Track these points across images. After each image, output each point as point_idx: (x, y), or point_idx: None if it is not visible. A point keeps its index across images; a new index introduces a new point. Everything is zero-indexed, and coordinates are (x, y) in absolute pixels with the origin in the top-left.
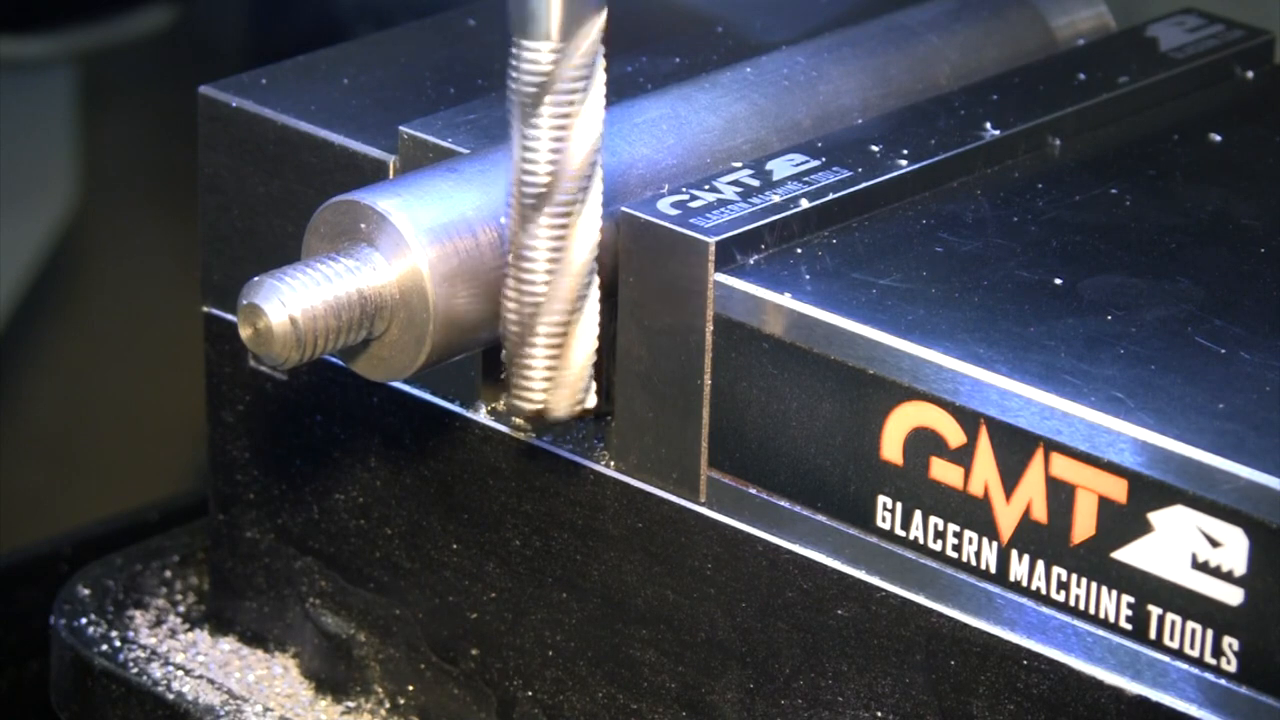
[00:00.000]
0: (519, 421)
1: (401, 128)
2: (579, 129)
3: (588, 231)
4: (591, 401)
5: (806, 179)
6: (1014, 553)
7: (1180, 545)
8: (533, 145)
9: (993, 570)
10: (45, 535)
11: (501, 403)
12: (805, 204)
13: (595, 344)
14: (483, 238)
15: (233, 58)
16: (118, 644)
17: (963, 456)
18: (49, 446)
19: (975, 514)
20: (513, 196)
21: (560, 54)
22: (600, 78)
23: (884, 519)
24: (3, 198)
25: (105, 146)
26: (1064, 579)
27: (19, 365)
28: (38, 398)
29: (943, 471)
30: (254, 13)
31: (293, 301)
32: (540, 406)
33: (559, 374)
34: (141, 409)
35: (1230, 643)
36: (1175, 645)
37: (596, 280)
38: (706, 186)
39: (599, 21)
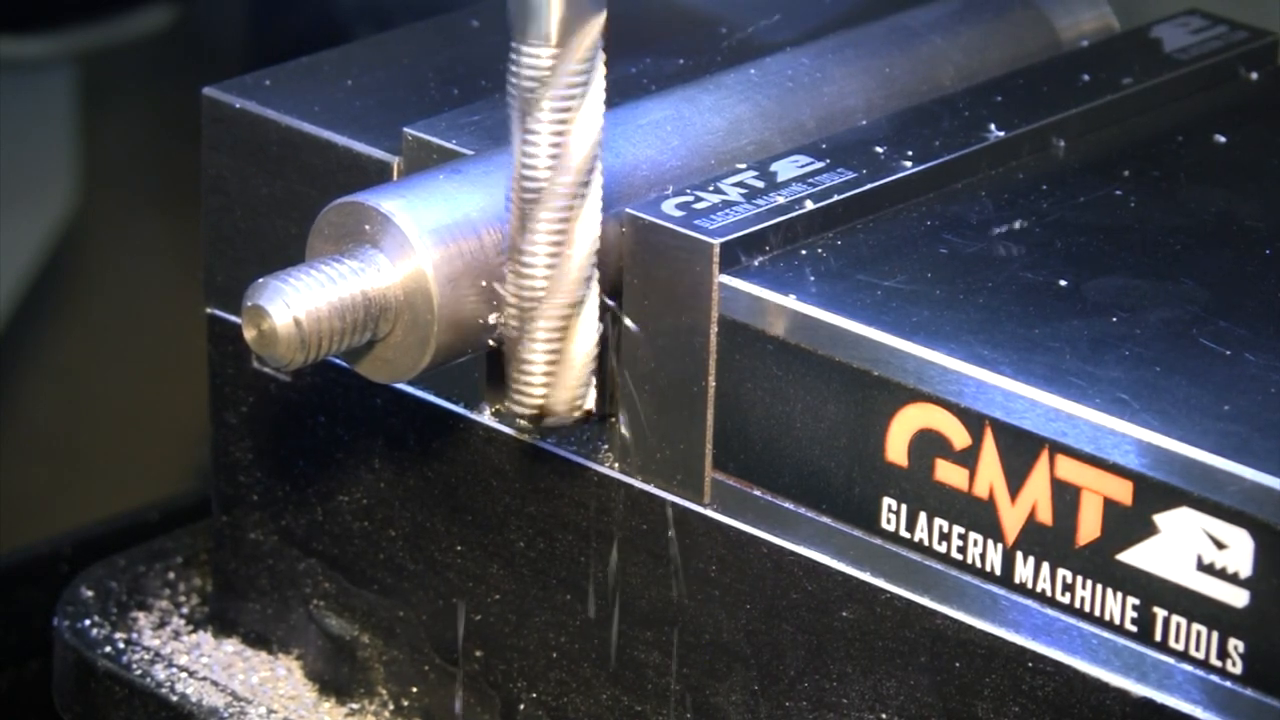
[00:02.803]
0: (523, 423)
1: (405, 129)
2: (579, 128)
3: (587, 230)
4: (591, 402)
5: (811, 180)
6: (1019, 555)
7: (1185, 547)
8: (533, 144)
9: (998, 572)
10: (45, 535)
11: (503, 404)
12: (810, 205)
13: (595, 342)
14: (487, 239)
15: (232, 58)
16: (121, 646)
17: (968, 458)
18: (49, 446)
19: (980, 516)
20: (513, 195)
21: (560, 53)
22: (600, 76)
23: (889, 521)
24: (3, 198)
25: (105, 146)
26: (1069, 581)
27: (19, 365)
28: (38, 398)
29: (947, 473)
30: (254, 13)
31: (297, 303)
32: (540, 405)
33: (558, 372)
34: (141, 409)
35: (1235, 645)
36: (1180, 647)
37: (596, 278)
38: (711, 188)
39: (599, 21)
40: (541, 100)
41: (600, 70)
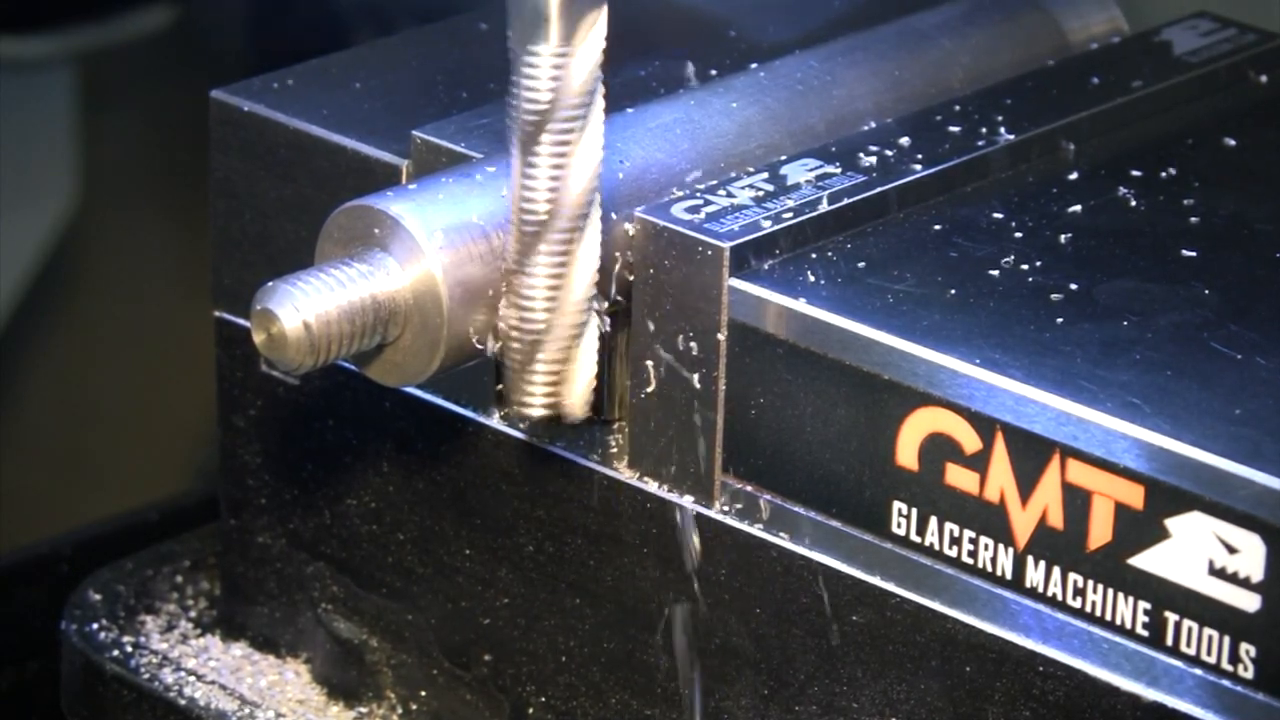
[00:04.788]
0: (532, 426)
1: (414, 132)
2: (577, 161)
3: (587, 263)
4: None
5: (820, 183)
6: (1030, 559)
7: (1197, 551)
8: (531, 180)
9: (1008, 576)
10: (45, 536)
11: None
12: (819, 209)
13: (594, 370)
14: (496, 242)
15: (232, 58)
16: (129, 649)
17: (978, 462)
18: (48, 447)
19: (991, 520)
20: (512, 228)
21: (558, 89)
22: (599, 111)
23: (899, 525)
24: (3, 198)
25: (105, 146)
26: (1080, 585)
27: (19, 365)
28: (37, 398)
29: (958, 477)
30: (254, 13)
31: (306, 307)
32: (540, 420)
33: (559, 398)
34: (141, 410)
35: (1247, 649)
36: (1191, 652)
37: (595, 308)
38: (721, 191)
39: (597, 58)
40: (540, 136)
41: (600, 102)
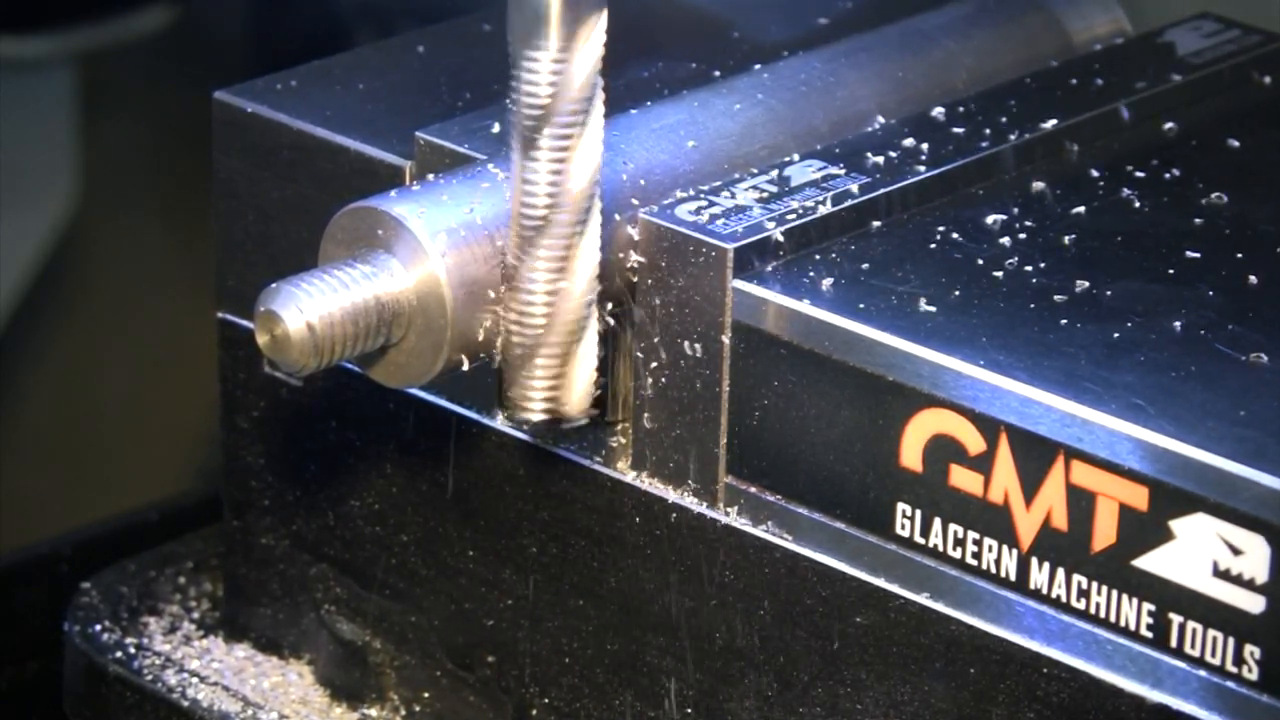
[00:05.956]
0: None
1: (417, 133)
2: (578, 160)
3: (587, 261)
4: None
5: (824, 185)
6: (1034, 560)
7: (1201, 553)
8: (531, 179)
9: (1012, 578)
10: (45, 536)
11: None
12: (823, 210)
13: (594, 373)
14: (499, 243)
15: (233, 58)
16: (132, 650)
17: (982, 464)
18: (48, 447)
19: (995, 521)
20: (512, 226)
21: (558, 87)
22: (599, 109)
23: (903, 526)
24: (3, 198)
25: (105, 146)
26: (1084, 587)
27: (19, 365)
28: (37, 398)
29: (962, 479)
30: (254, 13)
31: (310, 308)
32: (540, 422)
33: (559, 400)
34: (141, 410)
35: (1251, 651)
36: (1196, 653)
37: (595, 306)
38: (725, 192)
39: (597, 55)
40: (540, 136)
41: (600, 101)
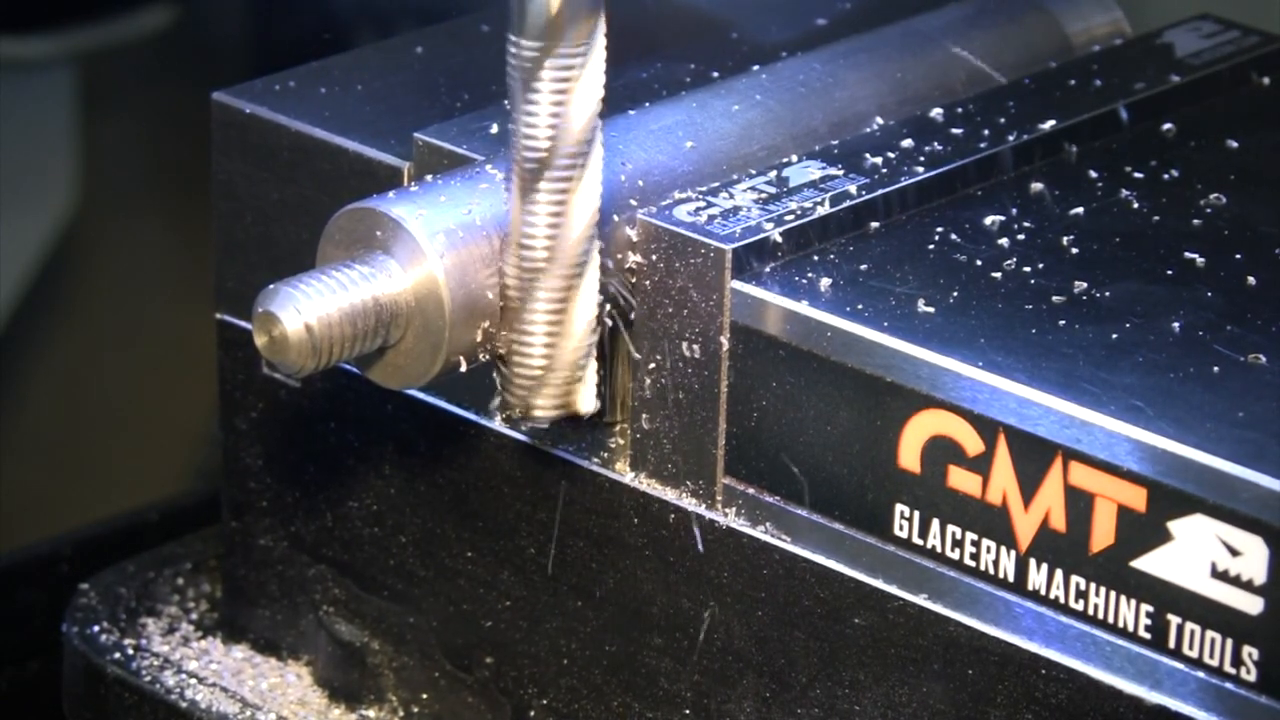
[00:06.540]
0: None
1: (416, 134)
2: (579, 95)
3: (587, 199)
4: (589, 402)
5: (823, 186)
6: (1032, 561)
7: (1199, 554)
8: (533, 112)
9: (1011, 579)
10: (45, 536)
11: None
12: (822, 211)
13: (594, 315)
14: (498, 244)
15: (233, 58)
16: (130, 652)
17: (981, 465)
18: (48, 447)
19: (993, 522)
20: (514, 165)
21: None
22: (600, 44)
23: (901, 527)
24: (3, 198)
25: (105, 146)
26: (1082, 588)
27: (19, 365)
28: (38, 398)
29: (961, 480)
30: (254, 13)
31: (308, 309)
32: (539, 375)
33: (558, 346)
34: (141, 410)
35: (1250, 652)
36: (1194, 654)
37: (596, 248)
38: (723, 193)
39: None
40: (541, 69)
41: (601, 41)
